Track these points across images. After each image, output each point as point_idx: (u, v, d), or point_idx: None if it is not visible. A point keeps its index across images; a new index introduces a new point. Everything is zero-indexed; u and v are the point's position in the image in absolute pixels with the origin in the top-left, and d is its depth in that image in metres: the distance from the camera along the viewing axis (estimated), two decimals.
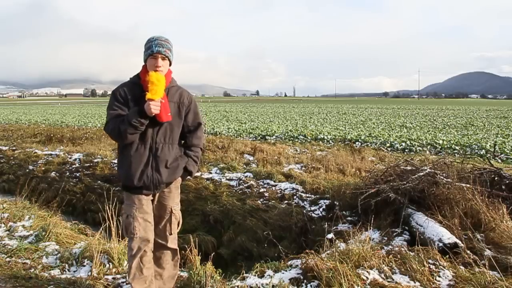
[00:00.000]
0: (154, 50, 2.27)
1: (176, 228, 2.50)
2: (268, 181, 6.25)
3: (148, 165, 2.29)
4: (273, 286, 2.66)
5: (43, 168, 8.67)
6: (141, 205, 2.35)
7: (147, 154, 2.29)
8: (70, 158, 9.10)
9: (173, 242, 2.52)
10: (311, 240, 4.29)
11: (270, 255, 4.12)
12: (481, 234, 3.36)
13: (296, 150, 9.51)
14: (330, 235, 3.71)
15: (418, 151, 9.66)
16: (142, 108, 2.18)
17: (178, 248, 2.57)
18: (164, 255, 2.52)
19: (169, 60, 2.35)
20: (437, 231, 3.27)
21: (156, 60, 2.28)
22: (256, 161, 7.82)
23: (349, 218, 4.38)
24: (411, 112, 29.89)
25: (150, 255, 2.45)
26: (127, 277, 2.42)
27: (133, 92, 2.31)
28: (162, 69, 2.29)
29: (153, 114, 2.19)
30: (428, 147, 10.22)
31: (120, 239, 3.29)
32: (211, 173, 6.92)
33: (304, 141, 11.97)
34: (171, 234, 2.47)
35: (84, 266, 3.20)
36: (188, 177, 2.56)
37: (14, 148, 11.05)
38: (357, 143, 11.23)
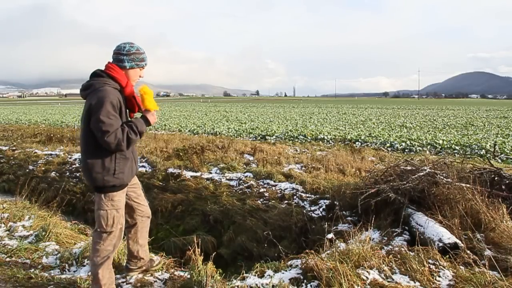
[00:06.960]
0: (147, 63, 2.43)
1: None
2: (268, 181, 6.24)
3: (133, 162, 2.54)
4: (273, 286, 2.66)
5: (43, 168, 8.66)
6: (123, 198, 2.55)
7: (131, 154, 2.51)
8: (70, 158, 9.09)
9: None
10: (311, 240, 4.29)
11: (270, 255, 4.12)
12: (481, 234, 3.36)
13: (296, 150, 9.50)
14: (330, 235, 3.70)
15: (418, 151, 9.66)
16: (146, 118, 2.40)
17: None
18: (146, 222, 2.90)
19: None
20: (437, 231, 3.27)
21: (142, 71, 2.46)
22: (256, 161, 7.81)
23: (349, 218, 4.37)
24: (411, 112, 29.90)
25: None
26: (94, 269, 2.50)
27: (120, 99, 2.34)
28: None
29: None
30: (428, 147, 10.22)
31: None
32: (211, 173, 6.92)
33: (304, 141, 11.97)
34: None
35: (84, 266, 3.20)
36: None
37: (14, 148, 11.04)
38: (357, 143, 11.23)
